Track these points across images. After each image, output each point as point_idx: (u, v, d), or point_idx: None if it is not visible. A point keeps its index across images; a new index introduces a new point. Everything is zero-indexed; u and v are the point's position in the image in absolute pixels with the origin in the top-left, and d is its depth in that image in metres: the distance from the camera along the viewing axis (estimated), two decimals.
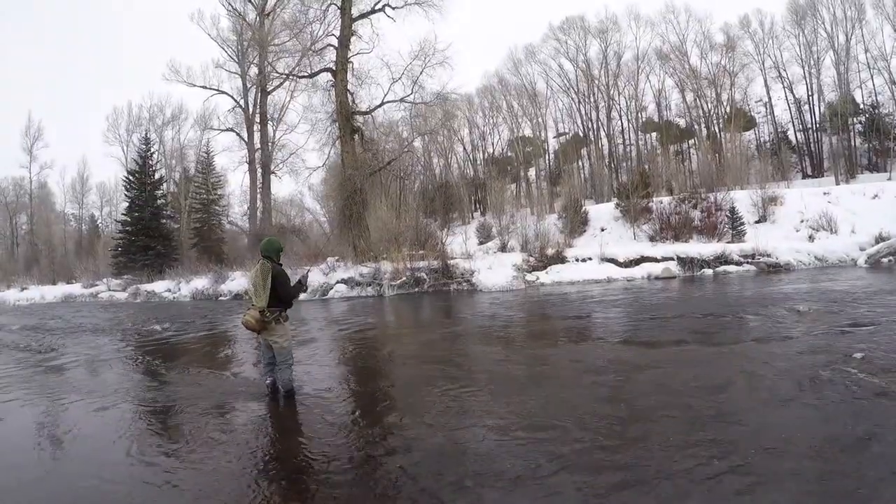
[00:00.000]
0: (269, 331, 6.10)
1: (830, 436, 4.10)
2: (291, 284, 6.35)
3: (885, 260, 17.16)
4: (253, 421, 5.67)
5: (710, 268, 18.83)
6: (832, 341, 7.14)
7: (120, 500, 3.98)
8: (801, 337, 7.60)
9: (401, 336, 11.30)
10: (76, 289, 35.78)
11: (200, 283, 27.50)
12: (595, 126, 50.63)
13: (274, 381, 6.36)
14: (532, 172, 54.12)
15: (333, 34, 29.24)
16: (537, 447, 4.31)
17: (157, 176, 42.86)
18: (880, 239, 18.13)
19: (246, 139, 39.53)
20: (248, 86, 39.48)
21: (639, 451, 4.08)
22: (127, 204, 40.88)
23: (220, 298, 25.05)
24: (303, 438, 5.08)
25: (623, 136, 51.30)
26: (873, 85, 43.51)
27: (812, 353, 6.59)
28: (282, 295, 6.09)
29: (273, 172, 39.38)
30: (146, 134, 45.05)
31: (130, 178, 41.15)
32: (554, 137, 55.29)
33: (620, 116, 50.78)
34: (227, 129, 40.76)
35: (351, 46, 28.51)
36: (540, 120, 52.63)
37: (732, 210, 22.93)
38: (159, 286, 29.91)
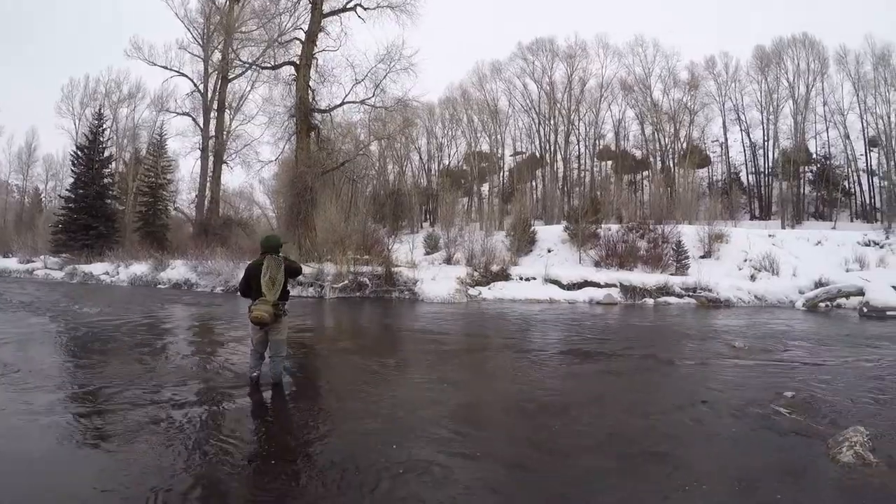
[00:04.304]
0: (276, 324, 6.21)
1: (748, 474, 4.09)
2: None
3: (822, 304, 17.49)
4: (183, 409, 5.58)
5: (651, 297, 19.00)
6: (765, 378, 7.25)
7: (41, 493, 3.76)
8: (734, 372, 7.69)
9: (338, 337, 11.55)
10: (12, 263, 35.34)
11: (140, 268, 27.21)
12: (552, 148, 50.78)
13: (258, 376, 6.43)
14: (485, 188, 54.04)
15: (301, 28, 29.02)
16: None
17: (106, 154, 41.42)
18: (819, 284, 18.48)
19: (201, 125, 38.43)
20: (210, 71, 38.32)
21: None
22: (73, 180, 39.44)
23: (159, 286, 24.84)
24: (234, 430, 5.07)
25: (579, 161, 51.62)
26: (828, 137, 44.96)
27: (743, 389, 6.67)
28: (297, 273, 6.80)
29: (225, 162, 38.38)
30: (100, 109, 43.26)
31: (79, 153, 39.69)
32: (511, 156, 55.27)
33: (578, 141, 51.11)
34: (183, 113, 39.54)
35: (317, 42, 28.19)
36: (498, 137, 52.40)
37: (679, 243, 23.19)
38: (97, 268, 29.52)
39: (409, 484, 3.86)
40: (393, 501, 3.63)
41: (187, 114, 39.48)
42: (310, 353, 9.18)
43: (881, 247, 23.31)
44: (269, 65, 30.43)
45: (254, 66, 32.67)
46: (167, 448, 4.45)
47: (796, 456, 4.46)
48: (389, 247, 23.15)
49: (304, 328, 11.94)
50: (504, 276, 20.70)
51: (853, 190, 43.99)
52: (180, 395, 6.08)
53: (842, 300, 17.53)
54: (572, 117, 49.56)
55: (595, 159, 51.54)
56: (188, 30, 38.13)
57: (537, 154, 52.49)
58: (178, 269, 25.51)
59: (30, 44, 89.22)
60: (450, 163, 54.93)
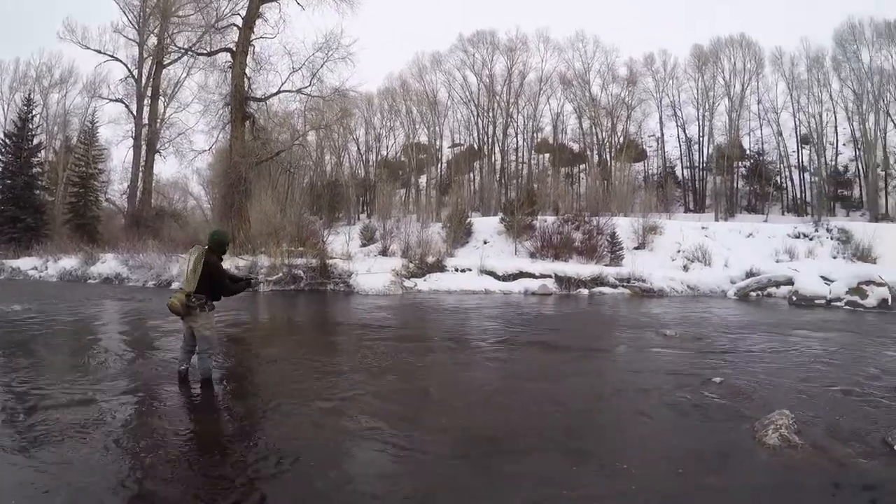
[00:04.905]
0: (192, 317, 6.02)
1: (674, 457, 4.21)
2: (230, 279, 6.42)
3: (752, 294, 18.12)
4: (110, 405, 5.46)
5: (586, 288, 19.36)
6: (694, 365, 7.42)
7: None
8: (665, 359, 7.88)
9: (269, 331, 11.60)
10: None
11: (69, 263, 26.09)
12: (490, 140, 51.10)
13: (186, 370, 6.30)
14: (423, 180, 54.24)
15: (239, 13, 28.47)
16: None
17: (35, 141, 39.83)
18: (750, 274, 19.11)
19: (134, 113, 37.08)
20: (145, 56, 36.89)
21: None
22: None
23: (89, 281, 23.95)
24: (160, 424, 4.99)
25: (517, 154, 52.05)
26: (761, 134, 46.98)
27: (674, 376, 6.84)
28: (215, 287, 6.09)
29: (158, 151, 37.20)
30: (30, 94, 41.20)
31: (6, 140, 37.97)
32: (449, 147, 55.50)
33: (517, 134, 51.54)
34: (116, 100, 37.94)
35: (255, 29, 27.65)
36: (437, 128, 52.68)
37: (613, 235, 23.63)
38: (25, 263, 28.16)
39: (338, 474, 3.91)
40: (320, 489, 3.66)
41: (120, 100, 37.97)
42: (240, 348, 9.04)
43: (810, 239, 24.07)
44: (205, 51, 29.81)
45: (190, 52, 31.82)
46: (92, 445, 4.35)
47: (723, 439, 4.59)
48: (325, 238, 22.91)
49: (235, 322, 11.73)
50: (440, 267, 20.73)
51: (785, 185, 45.92)
52: (107, 392, 5.94)
53: (772, 289, 18.19)
54: (511, 110, 50.03)
55: (533, 152, 52.30)
56: (123, 12, 36.50)
57: (475, 146, 52.84)
58: (108, 263, 24.67)
59: None
60: (388, 154, 54.72)
